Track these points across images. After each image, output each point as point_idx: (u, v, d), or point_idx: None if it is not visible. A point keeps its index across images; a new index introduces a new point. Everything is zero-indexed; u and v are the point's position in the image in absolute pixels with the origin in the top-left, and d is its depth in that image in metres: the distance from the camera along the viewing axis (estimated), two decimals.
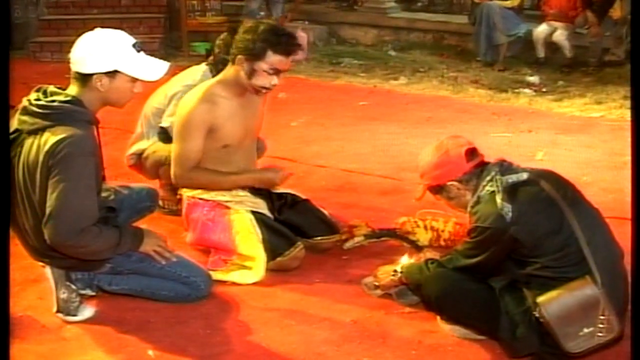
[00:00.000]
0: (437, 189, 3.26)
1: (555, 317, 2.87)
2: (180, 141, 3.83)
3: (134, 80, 3.21)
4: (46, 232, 3.11)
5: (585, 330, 2.87)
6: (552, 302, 2.89)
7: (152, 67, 3.24)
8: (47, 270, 3.43)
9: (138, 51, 3.20)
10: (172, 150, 3.90)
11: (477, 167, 3.16)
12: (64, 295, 3.40)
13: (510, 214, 2.95)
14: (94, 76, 3.14)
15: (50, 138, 3.07)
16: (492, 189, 3.06)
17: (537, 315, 2.93)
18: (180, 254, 3.61)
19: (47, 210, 3.08)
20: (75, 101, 3.15)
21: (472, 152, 3.19)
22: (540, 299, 2.91)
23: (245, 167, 4.02)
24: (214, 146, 3.84)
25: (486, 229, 3.01)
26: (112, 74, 3.16)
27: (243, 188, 3.99)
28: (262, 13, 10.19)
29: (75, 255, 3.24)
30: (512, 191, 3.03)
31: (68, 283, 3.40)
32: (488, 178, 3.10)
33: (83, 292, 3.47)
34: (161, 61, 3.30)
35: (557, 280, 2.94)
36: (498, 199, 3.00)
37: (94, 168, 3.15)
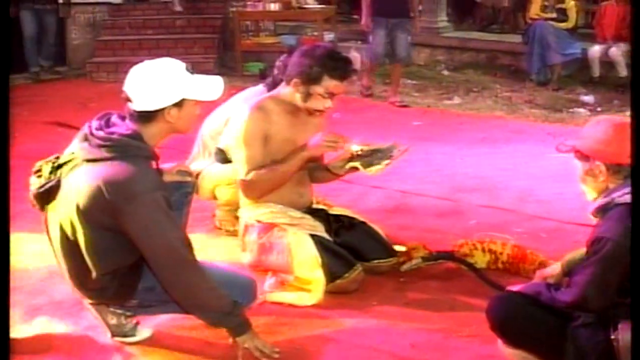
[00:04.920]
0: (584, 158, 3.01)
1: (627, 343, 2.75)
2: (240, 151, 3.84)
3: (198, 103, 3.19)
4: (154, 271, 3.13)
5: None
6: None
7: (211, 86, 3.20)
8: (86, 302, 3.41)
9: (192, 73, 3.17)
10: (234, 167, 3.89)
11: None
12: (112, 321, 3.38)
13: None
14: (165, 110, 3.09)
15: (110, 173, 2.99)
16: (629, 200, 2.77)
17: (612, 337, 2.83)
18: (218, 265, 3.58)
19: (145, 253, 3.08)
20: (136, 135, 3.08)
21: None
22: (625, 324, 2.78)
23: (295, 186, 4.01)
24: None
25: (610, 240, 2.80)
26: (180, 103, 3.11)
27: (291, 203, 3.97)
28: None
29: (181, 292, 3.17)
30: None
31: (112, 309, 3.37)
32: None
33: (129, 313, 3.42)
34: (214, 76, 3.25)
35: None
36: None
37: (165, 202, 3.05)
